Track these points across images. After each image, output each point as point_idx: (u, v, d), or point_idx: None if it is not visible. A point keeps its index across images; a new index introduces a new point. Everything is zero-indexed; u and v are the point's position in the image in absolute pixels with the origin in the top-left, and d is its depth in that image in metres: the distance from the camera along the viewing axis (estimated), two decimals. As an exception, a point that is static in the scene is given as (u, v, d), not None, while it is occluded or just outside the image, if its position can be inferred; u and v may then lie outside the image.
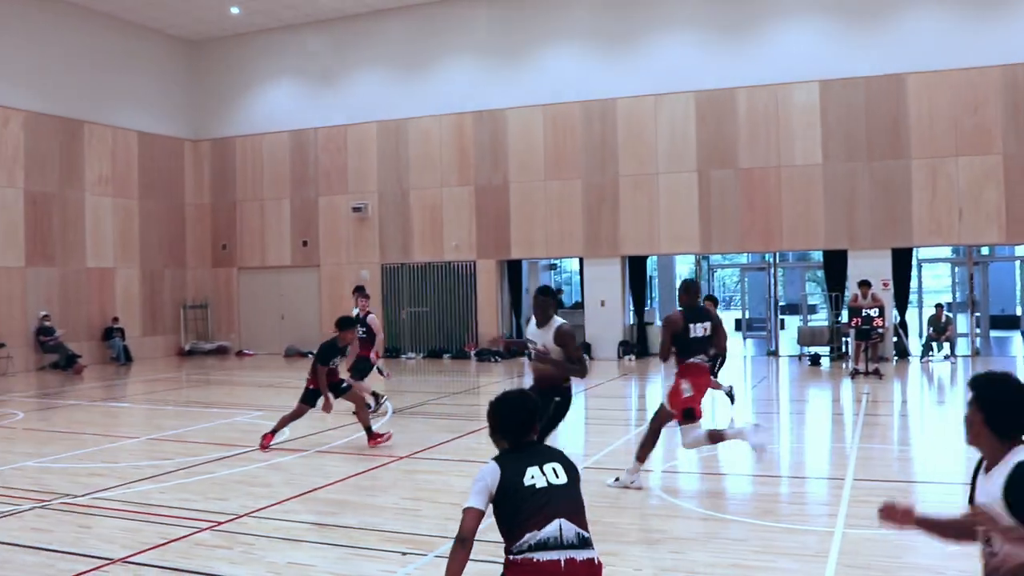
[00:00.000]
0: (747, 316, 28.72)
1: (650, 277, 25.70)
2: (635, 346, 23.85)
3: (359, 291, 14.88)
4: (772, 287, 25.46)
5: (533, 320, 7.90)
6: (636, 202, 23.60)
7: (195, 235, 28.63)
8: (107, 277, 25.79)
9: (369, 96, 26.37)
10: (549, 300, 7.85)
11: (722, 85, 22.92)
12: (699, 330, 8.78)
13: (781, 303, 27.94)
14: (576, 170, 24.13)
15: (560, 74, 24.23)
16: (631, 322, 24.34)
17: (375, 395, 14.02)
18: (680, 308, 8.98)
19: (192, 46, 28.79)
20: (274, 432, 11.18)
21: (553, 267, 26.98)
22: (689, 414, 8.63)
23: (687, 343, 8.71)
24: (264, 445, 10.99)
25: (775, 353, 23.96)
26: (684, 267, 33.41)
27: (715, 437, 8.80)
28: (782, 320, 27.61)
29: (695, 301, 9.06)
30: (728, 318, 32.73)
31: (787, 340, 25.22)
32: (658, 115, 23.47)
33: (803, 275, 30.89)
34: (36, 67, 24.02)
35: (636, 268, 24.18)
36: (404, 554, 6.81)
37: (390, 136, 26.12)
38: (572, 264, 26.79)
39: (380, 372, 14.67)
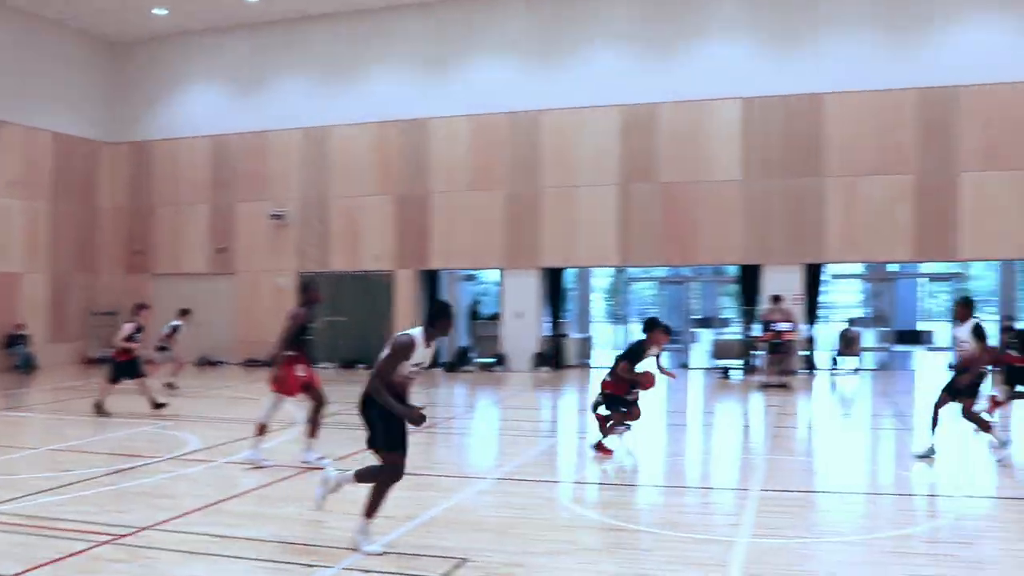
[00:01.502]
0: (663, 329, 28.91)
1: (568, 289, 25.77)
2: (550, 358, 23.90)
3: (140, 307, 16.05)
4: (687, 301, 25.78)
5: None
6: (558, 214, 23.74)
7: (108, 240, 28.02)
8: (13, 282, 25.06)
9: (292, 103, 26.11)
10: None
11: (646, 100, 23.23)
12: None
13: (695, 317, 28.28)
14: (499, 181, 24.19)
15: (487, 85, 24.29)
16: (547, 334, 24.36)
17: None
18: None
19: (114, 47, 28.20)
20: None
21: (472, 278, 26.94)
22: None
23: None
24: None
25: (687, 366, 24.25)
26: (602, 280, 33.60)
27: None
28: (695, 333, 27.95)
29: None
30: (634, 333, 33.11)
31: (700, 353, 25.56)
32: (583, 128, 23.65)
33: (717, 289, 31.28)
34: (-58, 63, 23.30)
35: (554, 280, 24.27)
36: (310, 566, 6.71)
37: (312, 143, 25.89)
38: (491, 276, 26.76)
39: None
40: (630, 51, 23.49)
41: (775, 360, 19.52)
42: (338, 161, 25.67)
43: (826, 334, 25.09)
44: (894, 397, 18.39)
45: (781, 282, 21.91)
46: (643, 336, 11.51)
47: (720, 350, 23.18)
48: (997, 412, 13.16)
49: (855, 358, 22.53)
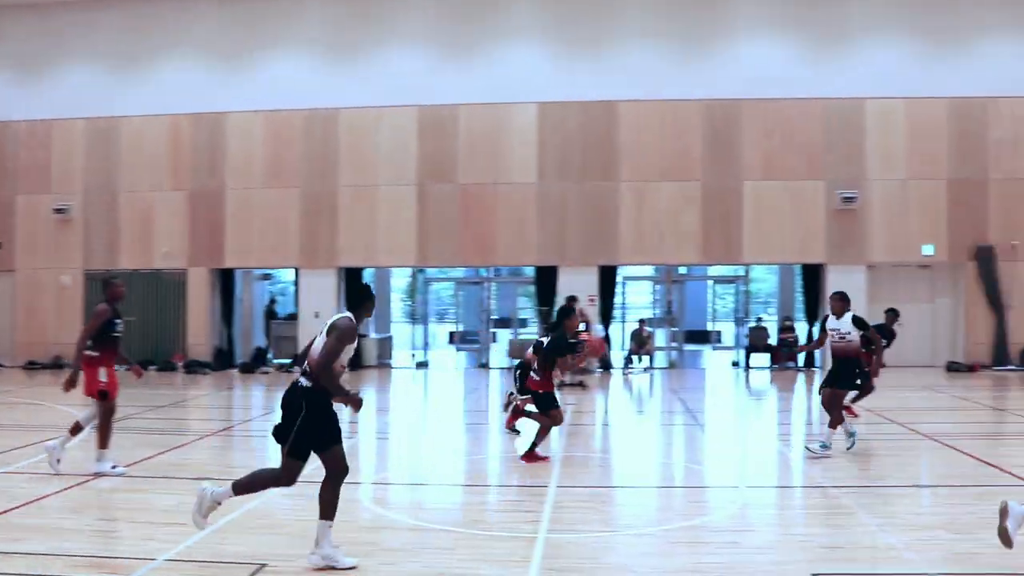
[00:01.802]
0: (461, 329, 29.21)
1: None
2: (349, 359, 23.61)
3: None
4: (486, 301, 26.07)
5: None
6: (355, 213, 23.56)
7: None
8: None
9: (77, 90, 24.62)
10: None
11: (446, 101, 23.34)
12: None
13: (494, 317, 28.64)
14: (295, 178, 23.77)
15: (284, 81, 23.76)
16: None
17: None
18: None
19: None
20: None
21: (268, 277, 26.35)
22: None
23: None
24: None
25: (487, 366, 24.55)
26: (401, 280, 33.54)
27: None
28: (494, 333, 28.30)
29: None
30: (443, 331, 33.21)
31: (499, 353, 25.91)
32: (381, 127, 23.55)
33: (516, 290, 31.76)
34: None
35: (352, 280, 24.03)
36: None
37: (100, 134, 24.62)
38: (288, 275, 26.25)
39: None
40: (430, 52, 23.61)
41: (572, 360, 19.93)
42: (128, 154, 24.53)
43: (620, 334, 25.91)
44: (683, 394, 19.18)
45: (577, 283, 22.48)
46: (559, 324, 11.31)
47: (518, 349, 23.54)
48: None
49: (647, 357, 23.40)
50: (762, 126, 23.08)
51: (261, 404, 18.08)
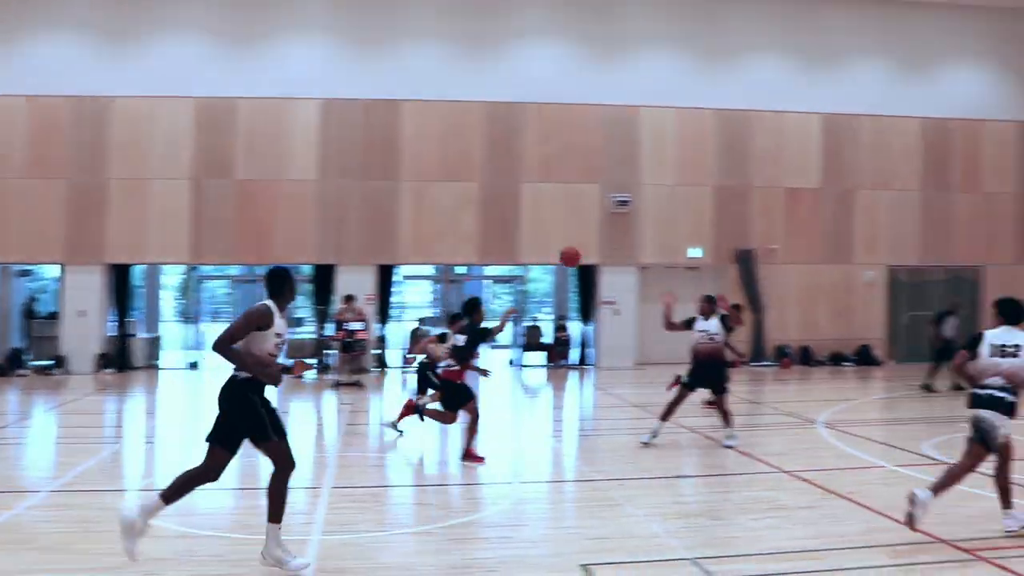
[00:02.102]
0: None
1: (136, 287, 24.48)
2: (115, 359, 22.58)
3: None
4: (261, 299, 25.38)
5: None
6: (125, 208, 22.68)
7: None
8: None
9: None
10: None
11: (224, 94, 22.74)
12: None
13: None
14: (61, 169, 22.59)
15: (49, 64, 22.52)
16: (112, 334, 22.96)
17: None
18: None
19: None
20: None
21: (28, 273, 24.72)
22: None
23: None
24: None
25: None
26: (173, 277, 32.25)
27: None
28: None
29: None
30: (217, 331, 32.16)
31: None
32: (155, 118, 22.73)
33: (294, 288, 31.19)
34: None
35: (121, 277, 22.91)
36: None
37: None
38: (50, 271, 24.71)
39: None
40: (208, 42, 23.13)
41: (348, 359, 19.90)
42: None
43: (397, 333, 25.84)
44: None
45: (355, 282, 22.48)
46: (470, 317, 11.35)
47: (293, 349, 23.13)
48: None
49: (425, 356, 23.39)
50: (541, 130, 23.85)
51: (17, 409, 16.92)
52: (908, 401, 17.99)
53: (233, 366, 6.71)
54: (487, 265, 27.07)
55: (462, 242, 23.65)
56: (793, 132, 25.31)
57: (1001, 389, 7.74)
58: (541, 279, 36.89)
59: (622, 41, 24.50)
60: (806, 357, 24.94)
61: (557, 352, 24.99)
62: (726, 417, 12.41)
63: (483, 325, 11.39)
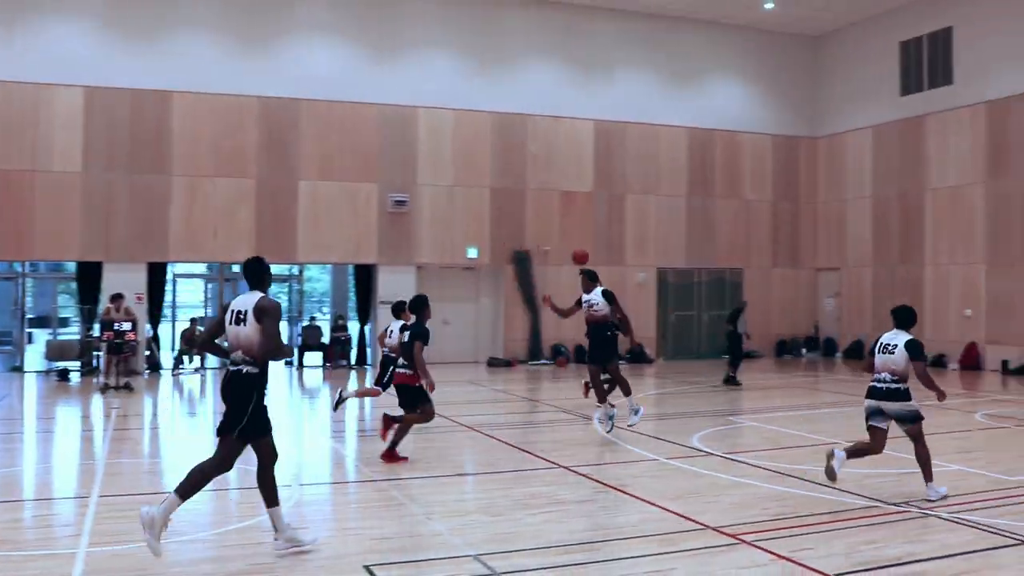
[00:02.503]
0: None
1: None
2: None
3: None
4: (21, 298, 24.02)
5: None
6: None
7: None
8: None
9: None
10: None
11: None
12: None
13: (30, 316, 26.50)
14: None
15: None
16: None
17: None
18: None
19: None
20: None
21: None
22: None
23: None
24: None
25: (21, 368, 22.63)
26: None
27: None
28: (30, 334, 26.17)
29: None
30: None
31: (35, 355, 24.01)
32: None
33: (55, 287, 29.60)
34: None
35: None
36: None
37: None
38: None
39: None
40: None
41: (116, 361, 19.00)
42: None
43: (170, 333, 25.00)
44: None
45: (124, 280, 21.70)
46: (418, 314, 11.17)
47: (57, 351, 22.02)
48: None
49: (199, 357, 22.81)
50: (319, 127, 23.59)
51: None
52: (677, 397, 18.94)
53: (243, 359, 6.96)
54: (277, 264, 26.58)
55: (237, 239, 23.03)
56: (567, 137, 26.15)
57: (894, 382, 9.01)
58: (319, 278, 36.59)
59: (402, 42, 24.61)
60: (581, 355, 25.75)
61: (335, 352, 24.80)
62: (623, 386, 13.11)
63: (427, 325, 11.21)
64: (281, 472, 10.87)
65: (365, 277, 24.77)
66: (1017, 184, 23.05)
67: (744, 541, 7.52)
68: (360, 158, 24.16)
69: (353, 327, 25.42)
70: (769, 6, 26.70)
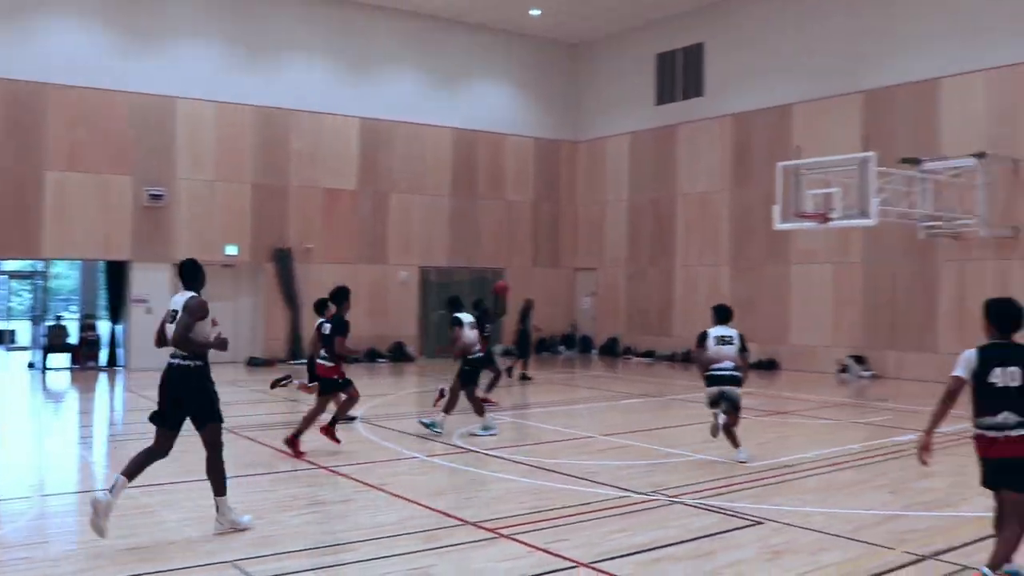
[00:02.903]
0: None
1: None
2: None
3: None
4: None
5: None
6: None
7: None
8: None
9: None
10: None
11: None
12: None
13: None
14: None
15: None
16: None
17: None
18: None
19: None
20: None
21: None
22: None
23: None
24: None
25: None
26: None
27: None
28: None
29: None
30: None
31: None
32: None
33: None
34: None
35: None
36: None
37: None
38: None
39: None
40: None
41: None
42: None
43: None
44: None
45: None
46: (338, 306, 11.77)
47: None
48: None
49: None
50: (67, 115, 22.31)
51: None
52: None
53: (184, 355, 7.75)
54: (3, 260, 24.90)
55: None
56: (332, 134, 25.89)
57: (734, 369, 10.91)
58: (66, 275, 34.66)
59: (160, 29, 23.59)
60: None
61: (84, 353, 23.52)
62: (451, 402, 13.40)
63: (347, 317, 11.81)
64: (18, 483, 10.28)
65: (117, 274, 23.65)
66: (758, 192, 24.58)
67: (502, 535, 7.74)
68: (113, 149, 22.95)
69: (104, 327, 24.21)
70: (535, 13, 27.37)
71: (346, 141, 26.19)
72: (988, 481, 6.22)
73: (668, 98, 27.80)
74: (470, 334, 13.41)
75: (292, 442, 11.39)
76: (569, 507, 8.73)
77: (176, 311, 7.81)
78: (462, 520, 8.22)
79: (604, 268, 29.45)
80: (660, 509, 8.75)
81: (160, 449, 7.80)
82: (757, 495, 9.42)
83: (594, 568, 6.82)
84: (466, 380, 13.27)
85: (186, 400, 7.81)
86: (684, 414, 15.15)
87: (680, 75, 27.46)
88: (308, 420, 11.61)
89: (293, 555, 7.19)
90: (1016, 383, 6.02)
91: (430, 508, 8.66)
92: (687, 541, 7.60)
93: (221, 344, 7.90)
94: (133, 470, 7.67)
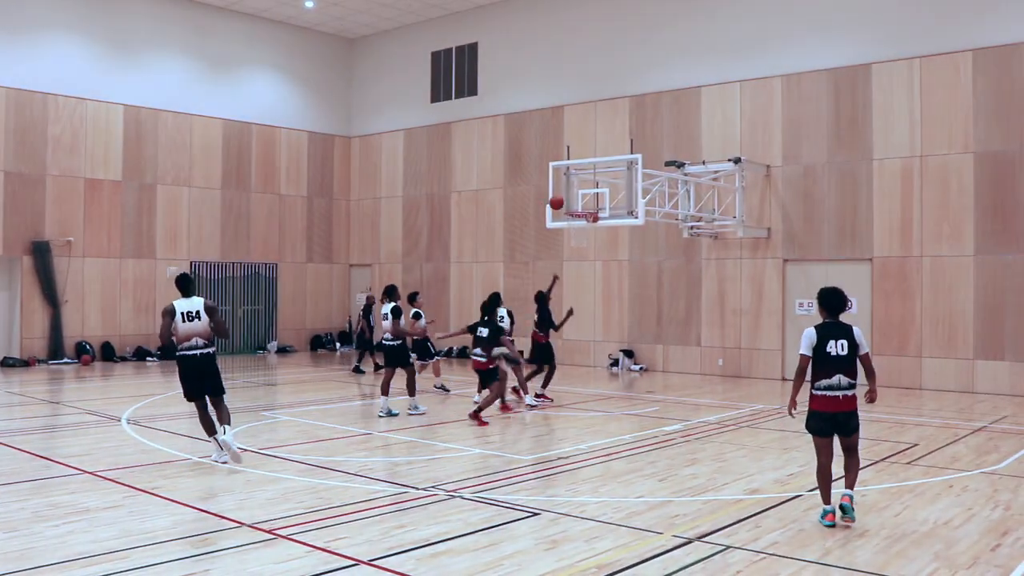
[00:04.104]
0: None
1: None
2: None
3: None
4: None
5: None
6: None
7: None
8: None
9: None
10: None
11: None
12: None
13: None
14: None
15: None
16: None
17: None
18: None
19: None
20: None
21: None
22: None
23: None
24: None
25: None
26: None
27: None
28: None
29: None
30: None
31: None
32: None
33: None
34: None
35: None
36: None
37: None
38: None
39: None
40: None
41: None
42: None
43: None
44: None
45: None
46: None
47: None
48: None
49: None
50: None
51: None
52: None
53: (205, 344, 10.44)
54: None
55: None
56: (94, 120, 24.63)
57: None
58: None
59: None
60: (109, 353, 24.42)
61: None
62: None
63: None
64: None
65: None
66: (529, 190, 25.25)
67: (280, 535, 7.67)
68: None
69: None
70: (309, 5, 26.97)
71: (110, 129, 24.94)
72: (823, 430, 7.98)
73: (443, 96, 28.03)
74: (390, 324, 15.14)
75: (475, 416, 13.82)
76: (348, 505, 8.76)
77: (192, 311, 9.83)
78: (238, 522, 8.09)
79: (380, 264, 29.40)
80: (439, 504, 8.87)
81: None
82: (534, 487, 9.73)
83: (375, 565, 6.88)
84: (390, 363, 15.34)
85: (216, 376, 10.75)
86: (456, 410, 15.37)
87: (455, 73, 27.76)
88: (496, 394, 14.25)
89: (53, 568, 6.72)
90: (844, 352, 7.86)
91: (204, 511, 8.47)
92: (467, 535, 7.75)
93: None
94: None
